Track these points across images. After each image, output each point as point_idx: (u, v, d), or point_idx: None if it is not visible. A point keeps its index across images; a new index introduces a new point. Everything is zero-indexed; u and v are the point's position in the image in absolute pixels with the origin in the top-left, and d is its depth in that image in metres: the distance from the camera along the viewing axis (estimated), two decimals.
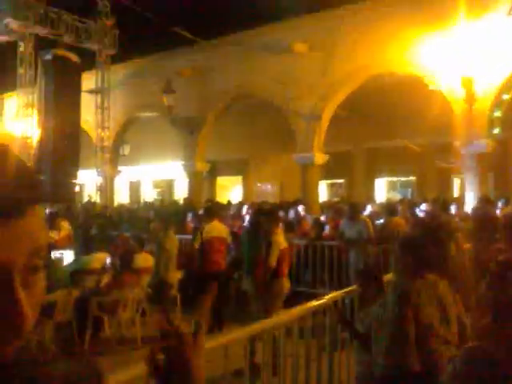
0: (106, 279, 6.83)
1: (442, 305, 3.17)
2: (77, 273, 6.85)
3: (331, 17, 13.62)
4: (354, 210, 8.24)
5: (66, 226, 9.81)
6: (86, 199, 20.57)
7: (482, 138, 11.38)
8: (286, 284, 6.20)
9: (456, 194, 14.93)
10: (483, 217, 6.07)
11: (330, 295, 4.04)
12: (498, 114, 11.52)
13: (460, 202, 11.12)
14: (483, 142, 11.39)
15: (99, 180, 18.82)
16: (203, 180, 17.86)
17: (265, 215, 6.52)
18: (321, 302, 3.83)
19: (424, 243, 3.33)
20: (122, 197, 22.43)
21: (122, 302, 6.43)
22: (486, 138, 11.42)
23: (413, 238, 3.48)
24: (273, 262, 6.00)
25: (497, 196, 12.38)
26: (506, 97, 11.40)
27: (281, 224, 8.85)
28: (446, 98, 11.72)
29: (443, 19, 11.32)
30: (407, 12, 11.95)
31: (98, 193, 18.90)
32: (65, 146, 15.09)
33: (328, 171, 15.51)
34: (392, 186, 18.25)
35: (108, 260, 7.28)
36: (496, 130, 11.60)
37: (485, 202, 8.07)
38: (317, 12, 14.01)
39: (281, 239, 6.26)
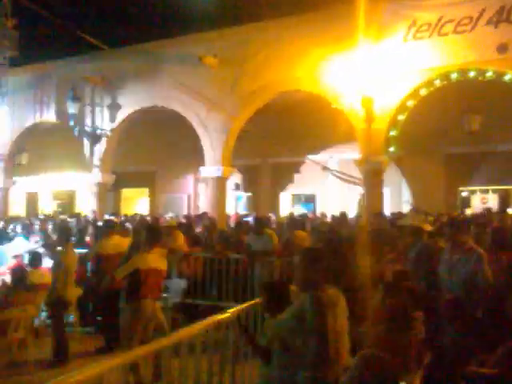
0: None
1: (345, 317, 3.27)
2: None
3: (241, 32, 13.86)
4: (260, 224, 8.37)
5: None
6: None
7: (379, 155, 12.11)
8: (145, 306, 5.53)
9: (356, 207, 15.69)
10: (376, 231, 6.43)
11: (233, 309, 4.05)
12: (393, 133, 12.31)
13: (359, 215, 11.70)
14: (380, 159, 12.12)
15: None
16: (107, 192, 17.26)
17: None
18: (223, 316, 3.83)
19: (324, 256, 3.40)
20: (16, 209, 21.00)
21: (13, 321, 5.99)
22: (383, 155, 12.17)
23: (314, 251, 3.54)
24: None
25: (392, 210, 13.23)
26: (401, 117, 12.22)
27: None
28: (348, 116, 12.34)
29: (346, 42, 11.95)
30: (314, 33, 12.49)
31: None
32: None
33: (235, 184, 15.66)
34: (296, 200, 18.79)
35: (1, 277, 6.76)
36: (392, 149, 12.39)
37: (378, 216, 8.55)
38: (228, 27, 14.21)
39: (147, 258, 5.63)
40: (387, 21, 11.81)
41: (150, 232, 5.84)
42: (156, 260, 5.71)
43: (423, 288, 5.15)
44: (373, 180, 12.28)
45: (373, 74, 11.83)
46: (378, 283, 4.61)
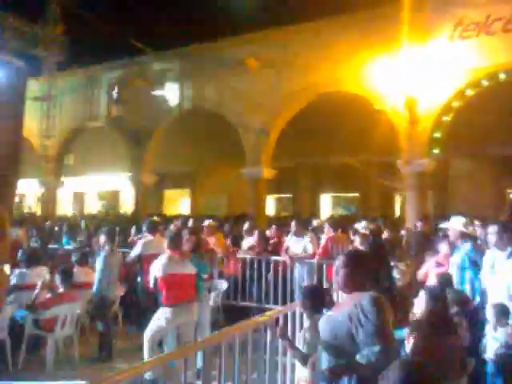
0: (44, 295, 6.57)
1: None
2: (13, 288, 6.54)
3: (283, 34, 13.88)
4: (300, 226, 8.34)
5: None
6: (26, 210, 19.79)
7: (423, 158, 11.86)
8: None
9: (398, 211, 15.41)
10: (419, 235, 6.30)
11: (272, 311, 4.06)
12: (438, 134, 12.03)
13: (401, 219, 11.48)
14: (423, 162, 11.86)
15: (41, 191, 18.18)
16: (150, 192, 17.61)
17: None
18: (262, 318, 3.85)
19: (370, 259, 3.35)
20: (64, 208, 21.74)
21: (60, 318, 6.20)
22: (427, 157, 11.91)
23: (360, 254, 3.48)
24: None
25: (436, 214, 12.90)
26: (445, 119, 11.93)
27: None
28: (390, 117, 12.15)
29: (389, 43, 11.78)
30: (356, 34, 12.36)
31: (39, 204, 18.24)
32: (5, 154, 14.52)
33: (275, 186, 15.67)
34: (336, 202, 18.64)
35: (47, 275, 7.00)
36: (436, 150, 12.11)
37: (423, 220, 8.37)
38: (269, 29, 14.26)
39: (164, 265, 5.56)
40: (433, 20, 11.57)
41: (170, 239, 5.89)
42: (176, 265, 5.63)
43: (467, 294, 5.02)
44: (416, 182, 12.03)
45: (417, 75, 11.61)
46: (420, 287, 4.52)
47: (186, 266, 5.70)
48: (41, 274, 6.91)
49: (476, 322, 4.63)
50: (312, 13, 13.75)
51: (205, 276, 6.29)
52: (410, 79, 11.68)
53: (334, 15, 13.13)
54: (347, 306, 2.87)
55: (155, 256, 6.09)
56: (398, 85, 11.80)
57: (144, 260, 7.09)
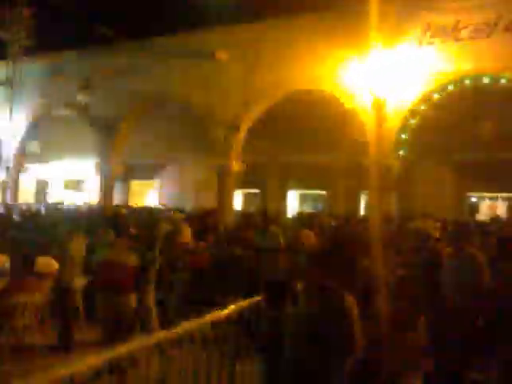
0: (3, 283, 6.43)
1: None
2: None
3: (255, 29, 13.89)
4: (266, 221, 8.43)
5: None
6: None
7: (390, 158, 12.09)
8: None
9: (363, 209, 15.68)
10: (383, 234, 6.43)
11: (235, 305, 4.09)
12: (404, 136, 12.28)
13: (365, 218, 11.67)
14: (389, 162, 12.09)
15: (2, 177, 17.71)
16: (117, 183, 17.38)
17: None
18: (225, 312, 3.88)
19: (331, 256, 3.41)
20: (27, 196, 21.21)
21: (20, 307, 6.08)
22: (392, 158, 12.14)
23: (322, 251, 3.55)
24: None
25: (400, 214, 13.19)
26: (412, 121, 12.18)
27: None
28: (360, 117, 12.31)
29: (360, 44, 11.84)
30: (328, 33, 12.47)
31: (0, 190, 17.77)
32: None
33: (244, 181, 15.69)
34: (304, 199, 18.80)
35: (7, 263, 6.85)
36: (402, 152, 12.36)
37: (387, 221, 8.54)
38: (241, 23, 14.23)
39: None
40: (402, 23, 11.76)
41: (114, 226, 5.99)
42: (116, 253, 5.77)
43: (426, 293, 5.17)
44: (382, 183, 12.22)
45: (386, 77, 11.78)
46: (383, 287, 4.63)
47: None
48: (0, 262, 6.77)
49: (433, 321, 4.77)
50: (283, 10, 13.79)
51: None
52: (379, 80, 11.85)
53: (306, 13, 13.20)
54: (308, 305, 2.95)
55: None
56: (367, 85, 11.97)
57: None
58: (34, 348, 6.17)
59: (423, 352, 4.26)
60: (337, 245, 5.61)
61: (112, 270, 5.69)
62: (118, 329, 5.67)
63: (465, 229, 5.63)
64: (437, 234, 6.77)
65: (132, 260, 5.79)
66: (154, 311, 6.49)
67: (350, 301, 2.96)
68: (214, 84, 14.18)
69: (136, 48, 15.71)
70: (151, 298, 6.54)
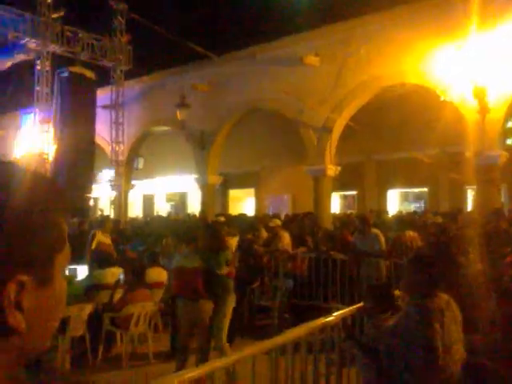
0: (119, 294, 6.91)
1: (457, 324, 3.13)
2: (90, 288, 6.93)
3: (342, 29, 13.71)
4: (365, 224, 8.23)
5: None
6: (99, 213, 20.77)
7: (495, 149, 11.32)
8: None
9: (470, 205, 14.80)
10: (493, 231, 6.03)
11: (339, 312, 4.06)
12: (511, 124, 11.44)
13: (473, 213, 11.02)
14: (496, 153, 11.32)
15: (113, 194, 19.04)
16: (216, 193, 17.96)
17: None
18: (329, 319, 3.86)
19: (436, 261, 3.28)
20: (135, 210, 22.62)
21: (134, 317, 6.49)
22: (499, 148, 11.36)
23: (426, 256, 3.42)
24: None
25: (511, 208, 12.27)
26: None
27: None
28: (459, 108, 11.69)
29: (454, 30, 11.33)
30: (419, 23, 11.99)
31: (112, 206, 19.10)
32: (80, 160, 15.38)
33: (340, 183, 15.50)
34: (405, 198, 18.15)
35: (121, 275, 7.36)
36: (509, 141, 11.53)
37: (496, 215, 8.00)
38: (328, 24, 14.13)
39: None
40: (501, 5, 10.99)
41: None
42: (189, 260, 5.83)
43: None
44: (488, 175, 11.49)
45: (486, 63, 11.08)
46: (494, 289, 4.34)
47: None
48: (115, 274, 7.28)
49: None
50: (371, 5, 13.48)
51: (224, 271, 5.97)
52: (479, 67, 11.16)
53: (395, 6, 12.80)
54: (400, 314, 2.86)
55: None
56: (465, 74, 11.32)
57: None
58: (149, 355, 6.56)
59: None
60: (442, 246, 5.36)
61: (183, 276, 5.80)
62: (192, 335, 5.80)
63: None
64: None
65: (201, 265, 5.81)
66: (226, 321, 5.92)
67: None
68: (305, 89, 14.17)
69: (228, 62, 16.18)
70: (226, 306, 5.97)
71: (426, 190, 17.22)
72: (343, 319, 4.06)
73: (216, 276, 5.81)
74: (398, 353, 2.83)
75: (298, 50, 14.09)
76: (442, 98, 11.88)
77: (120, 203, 18.82)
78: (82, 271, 8.04)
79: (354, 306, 4.37)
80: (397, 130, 15.18)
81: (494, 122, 11.27)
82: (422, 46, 11.92)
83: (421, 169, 15.88)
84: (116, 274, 7.35)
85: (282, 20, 17.01)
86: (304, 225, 10.98)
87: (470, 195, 15.14)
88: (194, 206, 20.47)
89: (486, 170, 11.49)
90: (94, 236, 9.29)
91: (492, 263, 5.36)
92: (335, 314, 3.99)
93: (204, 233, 6.16)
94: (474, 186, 13.00)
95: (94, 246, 9.17)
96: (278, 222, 9.81)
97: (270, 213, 16.20)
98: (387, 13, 12.89)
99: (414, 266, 3.18)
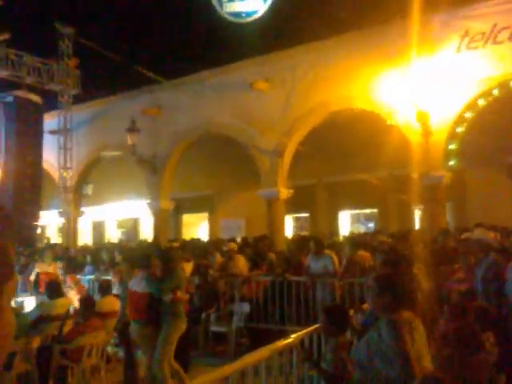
0: (69, 326, 6.65)
1: (423, 338, 3.19)
2: (39, 320, 6.63)
3: (289, 55, 14.07)
4: (319, 245, 8.32)
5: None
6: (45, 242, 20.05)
7: (439, 170, 11.82)
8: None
9: (417, 224, 15.28)
10: (441, 249, 6.26)
11: (296, 334, 4.07)
12: (452, 146, 11.99)
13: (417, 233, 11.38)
14: (440, 174, 11.82)
15: (61, 221, 18.45)
16: (169, 218, 17.75)
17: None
18: (287, 341, 3.86)
19: (401, 280, 3.36)
20: (85, 238, 21.97)
21: (86, 348, 6.25)
22: (443, 169, 11.86)
23: (390, 275, 3.49)
24: None
25: (456, 225, 12.78)
26: (459, 130, 11.90)
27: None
28: (404, 132, 12.15)
29: (397, 58, 11.86)
30: (364, 50, 12.49)
31: (60, 234, 18.50)
32: (26, 187, 14.86)
33: (293, 206, 15.67)
34: (356, 219, 18.55)
35: (71, 306, 7.10)
36: (452, 162, 12.06)
37: (444, 234, 8.30)
38: (276, 50, 14.46)
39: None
40: (439, 33, 11.64)
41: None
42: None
43: (493, 308, 4.96)
44: (433, 195, 11.95)
45: (427, 88, 11.64)
46: (444, 304, 4.49)
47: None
48: (65, 305, 7.01)
49: (503, 336, 4.57)
50: (318, 32, 13.94)
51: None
52: (420, 92, 11.71)
53: (341, 33, 13.29)
54: (371, 330, 2.92)
55: None
56: (408, 99, 11.83)
57: None
58: None
59: (494, 369, 4.07)
60: (393, 265, 5.49)
61: (134, 300, 5.99)
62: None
63: None
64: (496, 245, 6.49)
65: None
66: (170, 348, 5.76)
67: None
68: (255, 113, 14.39)
69: (177, 87, 16.20)
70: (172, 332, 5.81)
71: (375, 210, 17.67)
72: (301, 341, 4.08)
73: (161, 302, 5.78)
74: (371, 367, 2.88)
75: (247, 75, 14.34)
76: (388, 122, 12.35)
77: (68, 231, 18.26)
78: (29, 303, 7.72)
79: (311, 328, 4.39)
80: (347, 153, 15.57)
81: (437, 144, 11.79)
82: (368, 72, 12.39)
83: (370, 190, 16.31)
84: (66, 304, 7.09)
85: (230, 46, 17.26)
86: (258, 248, 11.01)
87: (418, 215, 15.65)
88: (147, 232, 20.13)
89: (431, 189, 11.96)
90: (32, 268, 9.13)
91: (441, 280, 5.54)
92: (293, 335, 3.99)
93: (155, 259, 6.14)
94: (421, 206, 13.47)
95: (32, 277, 9.03)
96: (234, 246, 9.78)
97: (224, 237, 16.14)
98: (333, 40, 13.36)
99: (378, 286, 3.25)
